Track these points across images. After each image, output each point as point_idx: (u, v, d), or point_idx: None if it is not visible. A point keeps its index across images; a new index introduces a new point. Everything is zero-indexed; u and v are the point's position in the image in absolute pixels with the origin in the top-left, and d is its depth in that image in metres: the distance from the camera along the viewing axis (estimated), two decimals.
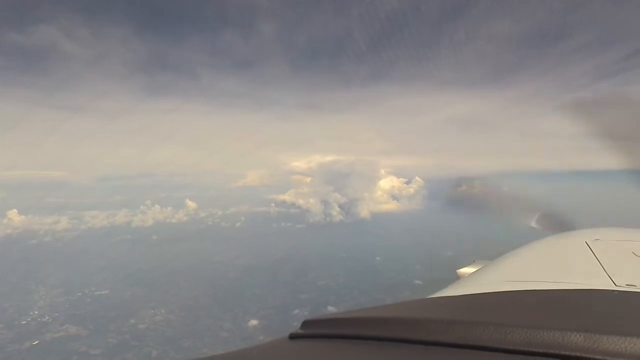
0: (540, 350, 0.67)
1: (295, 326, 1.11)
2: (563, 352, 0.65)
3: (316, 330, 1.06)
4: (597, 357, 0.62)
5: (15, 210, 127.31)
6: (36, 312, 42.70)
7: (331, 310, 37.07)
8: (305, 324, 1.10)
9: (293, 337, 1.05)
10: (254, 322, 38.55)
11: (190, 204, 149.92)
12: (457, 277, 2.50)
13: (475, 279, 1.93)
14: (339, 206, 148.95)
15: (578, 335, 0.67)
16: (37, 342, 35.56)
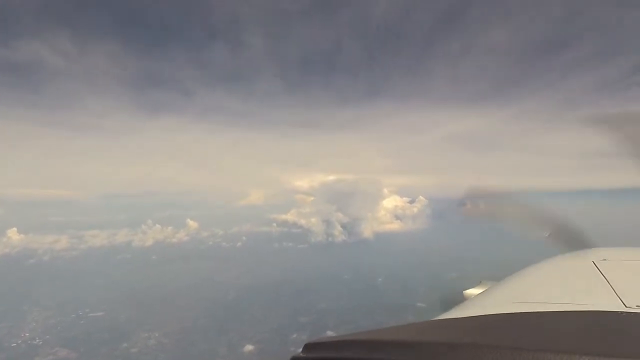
0: None
1: (292, 351, 1.08)
2: None
3: (318, 354, 1.03)
4: None
5: (14, 229, 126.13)
6: (27, 335, 41.63)
7: (330, 335, 35.92)
8: (307, 347, 1.07)
9: None
10: (249, 347, 37.31)
11: (192, 223, 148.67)
12: (464, 298, 2.45)
13: (482, 301, 1.88)
14: (342, 226, 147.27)
15: (586, 359, 0.66)
16: None
